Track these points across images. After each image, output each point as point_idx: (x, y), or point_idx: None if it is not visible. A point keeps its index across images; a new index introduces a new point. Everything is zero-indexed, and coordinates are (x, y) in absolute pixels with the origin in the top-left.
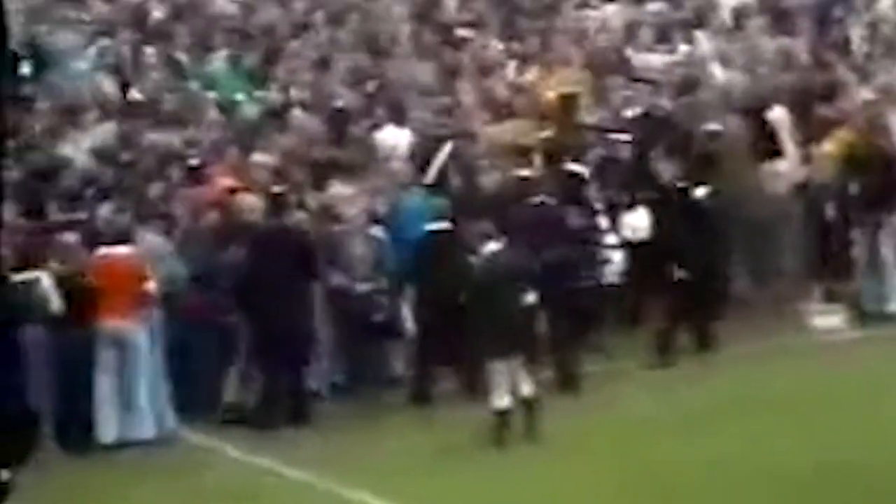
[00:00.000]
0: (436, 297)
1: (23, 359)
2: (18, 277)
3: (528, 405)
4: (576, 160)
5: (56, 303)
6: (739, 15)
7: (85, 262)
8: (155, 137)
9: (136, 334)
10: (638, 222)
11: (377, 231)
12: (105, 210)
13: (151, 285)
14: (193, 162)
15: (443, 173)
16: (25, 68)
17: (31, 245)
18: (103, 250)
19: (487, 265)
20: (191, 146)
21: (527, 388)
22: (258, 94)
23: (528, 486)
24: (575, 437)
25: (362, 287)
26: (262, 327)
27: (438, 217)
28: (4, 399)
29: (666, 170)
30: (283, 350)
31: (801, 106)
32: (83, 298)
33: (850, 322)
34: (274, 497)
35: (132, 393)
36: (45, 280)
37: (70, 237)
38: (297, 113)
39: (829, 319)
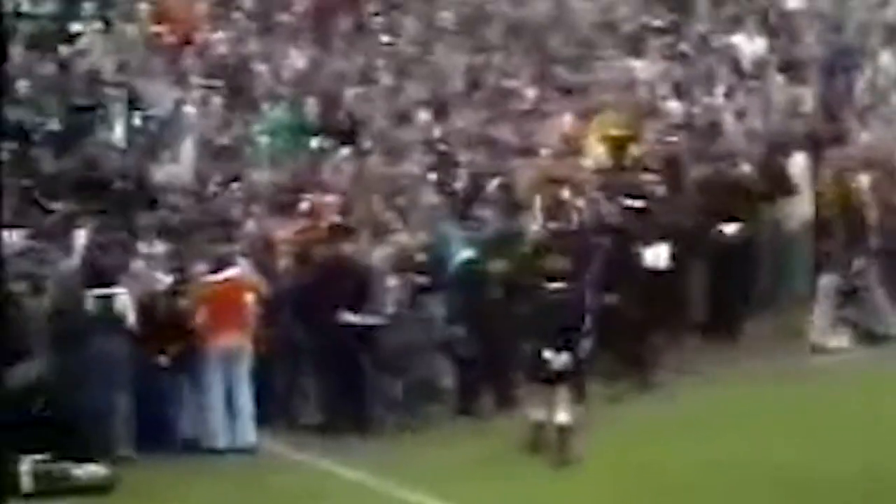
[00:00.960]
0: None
1: (99, 366)
2: (98, 292)
3: (561, 430)
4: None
5: (131, 318)
6: (757, 67)
7: (198, 284)
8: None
9: (243, 349)
10: (660, 254)
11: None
12: (198, 239)
13: (253, 304)
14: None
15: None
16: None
17: (112, 265)
18: (211, 275)
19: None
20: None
21: (563, 416)
22: (325, 140)
23: (561, 491)
24: (612, 449)
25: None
26: (329, 346)
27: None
28: (82, 402)
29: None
30: (347, 366)
31: (811, 150)
32: (183, 317)
33: (856, 342)
34: (336, 498)
35: (238, 403)
36: (123, 296)
37: (144, 263)
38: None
39: (837, 340)
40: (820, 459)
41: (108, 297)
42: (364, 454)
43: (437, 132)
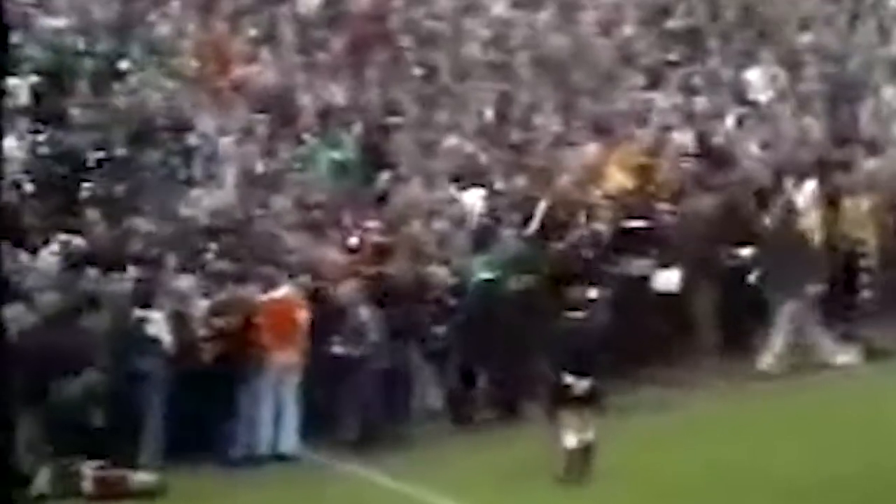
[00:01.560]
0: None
1: (142, 380)
2: (139, 314)
3: (587, 447)
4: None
5: (167, 339)
6: (767, 98)
7: (252, 304)
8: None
9: (293, 365)
10: (671, 278)
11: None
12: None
13: (303, 322)
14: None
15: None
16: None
17: (149, 288)
18: (261, 295)
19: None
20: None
21: (588, 437)
22: (365, 168)
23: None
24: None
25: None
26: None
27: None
28: (131, 413)
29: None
30: (390, 381)
31: (820, 176)
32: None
33: (862, 358)
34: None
35: (285, 414)
36: (158, 318)
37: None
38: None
39: (845, 356)
40: (821, 462)
41: (148, 318)
42: (401, 463)
43: (479, 159)
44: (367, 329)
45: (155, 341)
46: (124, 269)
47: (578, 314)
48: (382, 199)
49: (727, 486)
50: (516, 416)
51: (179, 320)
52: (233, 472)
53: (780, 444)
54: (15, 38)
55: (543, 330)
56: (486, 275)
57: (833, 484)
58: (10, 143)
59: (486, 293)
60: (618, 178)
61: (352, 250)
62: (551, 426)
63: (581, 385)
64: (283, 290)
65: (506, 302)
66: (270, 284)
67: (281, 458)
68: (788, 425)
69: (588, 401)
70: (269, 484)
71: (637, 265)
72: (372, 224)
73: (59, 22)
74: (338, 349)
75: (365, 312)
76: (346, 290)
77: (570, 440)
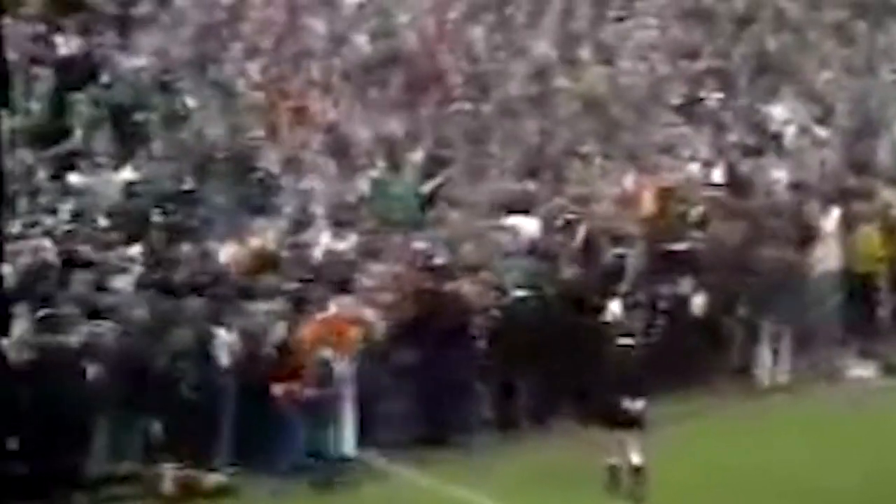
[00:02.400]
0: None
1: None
2: (214, 330)
3: (637, 470)
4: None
5: (224, 358)
6: (791, 132)
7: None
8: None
9: (348, 375)
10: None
11: None
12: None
13: (357, 336)
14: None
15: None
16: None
17: (220, 308)
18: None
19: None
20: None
21: (636, 458)
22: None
23: None
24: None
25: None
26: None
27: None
28: (199, 420)
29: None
30: (447, 391)
31: (842, 204)
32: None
33: (881, 372)
34: None
35: (344, 419)
36: (229, 335)
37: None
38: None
39: (863, 371)
40: (824, 466)
41: (220, 335)
42: (451, 468)
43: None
44: (422, 342)
45: (225, 355)
46: (200, 293)
47: (628, 340)
48: (439, 224)
49: (740, 489)
50: (556, 427)
51: (248, 337)
52: (296, 474)
53: (792, 451)
54: (101, 77)
55: (586, 348)
56: (527, 293)
57: (845, 490)
58: (87, 179)
59: (527, 311)
60: (651, 205)
61: (419, 269)
62: (590, 442)
63: (635, 407)
64: (335, 309)
65: (545, 319)
66: (324, 304)
67: (341, 460)
68: (800, 433)
69: (639, 422)
70: (328, 485)
71: (671, 287)
72: (429, 247)
73: (140, 62)
74: (397, 360)
75: (422, 327)
76: (405, 307)
77: (622, 459)
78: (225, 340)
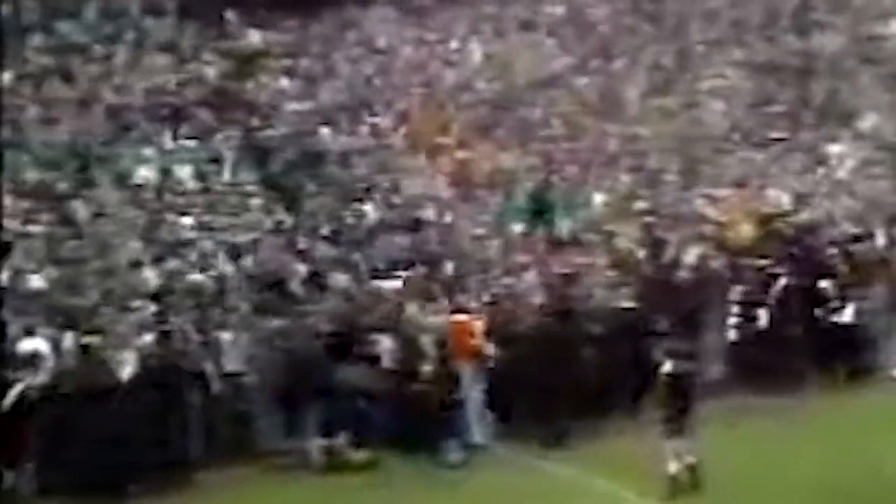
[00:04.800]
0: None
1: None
2: (374, 337)
3: (691, 469)
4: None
5: (386, 359)
6: (847, 166)
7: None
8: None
9: (477, 371)
10: (760, 314)
11: None
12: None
13: (481, 339)
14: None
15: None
16: None
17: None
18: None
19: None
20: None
21: (690, 458)
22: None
23: None
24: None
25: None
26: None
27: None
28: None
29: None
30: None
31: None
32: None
33: None
34: (553, 494)
35: (475, 411)
36: (386, 342)
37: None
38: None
39: None
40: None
41: (379, 341)
42: (581, 454)
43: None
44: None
45: (386, 358)
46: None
47: (689, 366)
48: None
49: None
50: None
51: (404, 342)
52: (434, 456)
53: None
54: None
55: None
56: (629, 304)
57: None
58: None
59: (626, 320)
60: (743, 227)
61: (559, 276)
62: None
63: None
64: (464, 315)
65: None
66: (458, 309)
67: (472, 446)
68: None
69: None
70: (460, 466)
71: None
72: (556, 257)
73: (302, 106)
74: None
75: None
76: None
77: (671, 467)
78: (387, 346)
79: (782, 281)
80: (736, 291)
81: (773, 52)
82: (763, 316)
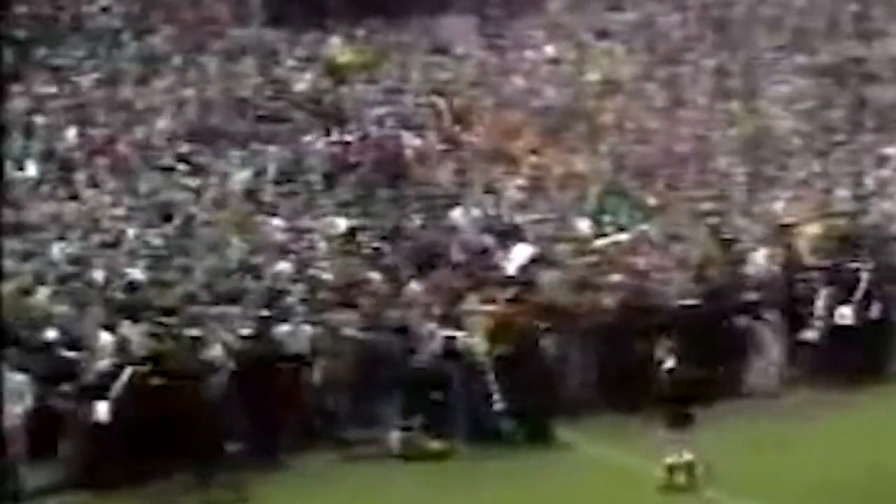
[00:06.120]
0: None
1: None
2: (446, 333)
3: (689, 466)
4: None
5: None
6: None
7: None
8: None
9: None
10: (845, 313)
11: None
12: None
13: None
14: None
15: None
16: None
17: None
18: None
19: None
20: None
21: (687, 455)
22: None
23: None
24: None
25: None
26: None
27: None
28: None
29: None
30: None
31: None
32: None
33: None
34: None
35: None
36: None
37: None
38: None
39: None
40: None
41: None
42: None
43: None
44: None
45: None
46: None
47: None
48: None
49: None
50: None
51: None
52: (502, 443)
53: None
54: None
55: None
56: (694, 301)
57: None
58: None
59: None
60: (808, 231)
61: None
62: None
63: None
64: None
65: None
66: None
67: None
68: None
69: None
70: (523, 449)
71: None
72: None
73: (380, 111)
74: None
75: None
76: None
77: (671, 458)
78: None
79: (864, 278)
80: (821, 291)
81: (834, 57)
82: (847, 314)
